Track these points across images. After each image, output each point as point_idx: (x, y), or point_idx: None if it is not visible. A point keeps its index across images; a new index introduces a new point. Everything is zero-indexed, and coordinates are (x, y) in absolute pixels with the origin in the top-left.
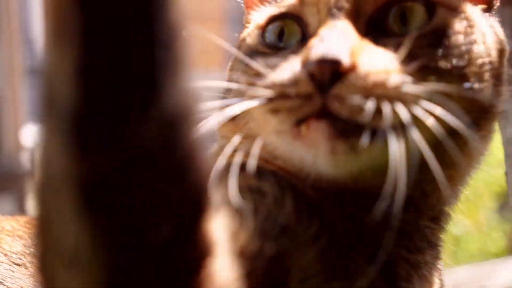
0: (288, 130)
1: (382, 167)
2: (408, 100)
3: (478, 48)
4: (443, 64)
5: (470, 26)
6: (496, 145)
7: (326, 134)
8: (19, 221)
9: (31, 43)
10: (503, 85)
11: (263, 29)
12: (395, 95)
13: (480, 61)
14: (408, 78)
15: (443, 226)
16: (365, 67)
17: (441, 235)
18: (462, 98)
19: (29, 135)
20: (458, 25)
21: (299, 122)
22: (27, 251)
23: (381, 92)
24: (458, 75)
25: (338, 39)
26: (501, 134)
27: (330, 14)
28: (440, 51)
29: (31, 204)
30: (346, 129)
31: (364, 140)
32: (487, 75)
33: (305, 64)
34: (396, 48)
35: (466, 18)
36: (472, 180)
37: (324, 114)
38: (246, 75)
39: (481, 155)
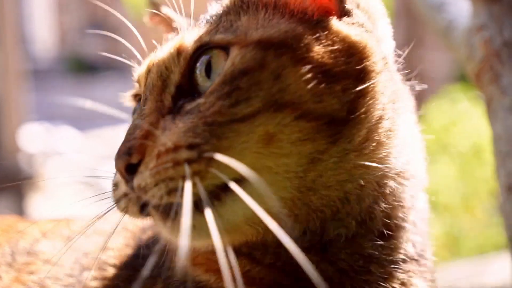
0: (143, 223)
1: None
2: (197, 173)
3: (294, 71)
4: (244, 110)
5: (278, 55)
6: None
7: (160, 220)
8: None
9: (28, 44)
10: (364, 82)
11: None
12: (179, 174)
13: (303, 80)
14: (193, 152)
15: (374, 230)
16: (153, 153)
17: (383, 242)
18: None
19: (27, 137)
20: (258, 58)
21: (146, 215)
22: None
23: (169, 175)
24: (282, 107)
25: (133, 130)
26: (491, 131)
27: (144, 95)
28: (238, 98)
29: (28, 206)
30: (169, 210)
31: (172, 216)
32: (324, 88)
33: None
34: (198, 111)
35: (270, 46)
36: (472, 178)
37: (147, 203)
38: None
39: (359, 154)
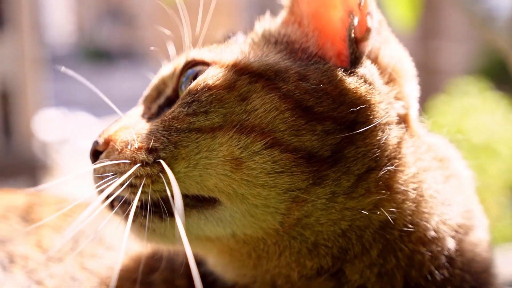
0: (108, 207)
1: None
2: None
3: (264, 97)
4: (202, 122)
5: (252, 82)
6: None
7: (121, 216)
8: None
9: (45, 30)
10: (352, 131)
11: None
12: (133, 172)
13: (273, 108)
14: (149, 156)
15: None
16: (118, 146)
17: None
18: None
19: (43, 123)
20: (230, 80)
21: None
22: None
23: (125, 169)
24: (248, 131)
25: (113, 124)
26: None
27: (140, 101)
28: (196, 109)
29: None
30: (128, 208)
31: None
32: (302, 123)
33: None
34: (164, 115)
35: (247, 73)
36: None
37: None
38: None
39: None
